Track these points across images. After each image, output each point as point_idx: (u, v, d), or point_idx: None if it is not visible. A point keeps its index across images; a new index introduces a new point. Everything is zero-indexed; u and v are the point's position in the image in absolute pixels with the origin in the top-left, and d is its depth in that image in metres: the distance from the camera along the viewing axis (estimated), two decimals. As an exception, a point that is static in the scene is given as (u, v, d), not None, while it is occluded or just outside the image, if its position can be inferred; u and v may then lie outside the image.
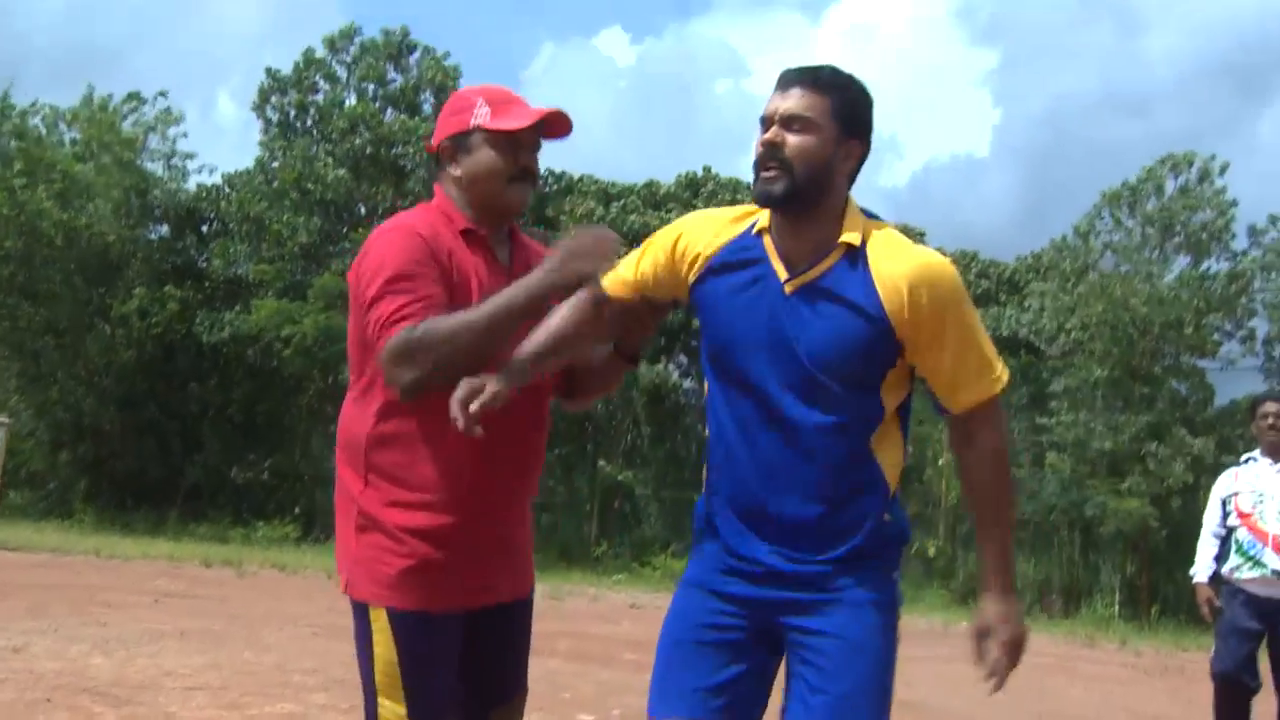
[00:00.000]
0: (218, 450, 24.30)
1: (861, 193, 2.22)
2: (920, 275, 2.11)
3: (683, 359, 28.08)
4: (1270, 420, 5.55)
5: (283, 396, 24.49)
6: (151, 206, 25.24)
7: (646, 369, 24.99)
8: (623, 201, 26.65)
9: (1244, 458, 5.76)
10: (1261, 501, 5.44)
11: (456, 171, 2.29)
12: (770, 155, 2.09)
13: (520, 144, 2.28)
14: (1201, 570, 5.67)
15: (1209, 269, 22.34)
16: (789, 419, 2.14)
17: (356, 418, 2.27)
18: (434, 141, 2.37)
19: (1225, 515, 5.60)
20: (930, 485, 23.44)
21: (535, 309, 2.18)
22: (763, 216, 2.17)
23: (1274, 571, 5.35)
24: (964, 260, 28.05)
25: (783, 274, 2.14)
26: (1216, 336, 22.58)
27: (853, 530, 2.18)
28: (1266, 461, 5.57)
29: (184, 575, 13.23)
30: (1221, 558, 5.60)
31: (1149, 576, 21.77)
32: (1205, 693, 5.63)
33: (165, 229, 26.12)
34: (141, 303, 23.63)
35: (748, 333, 2.14)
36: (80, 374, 23.75)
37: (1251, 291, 22.25)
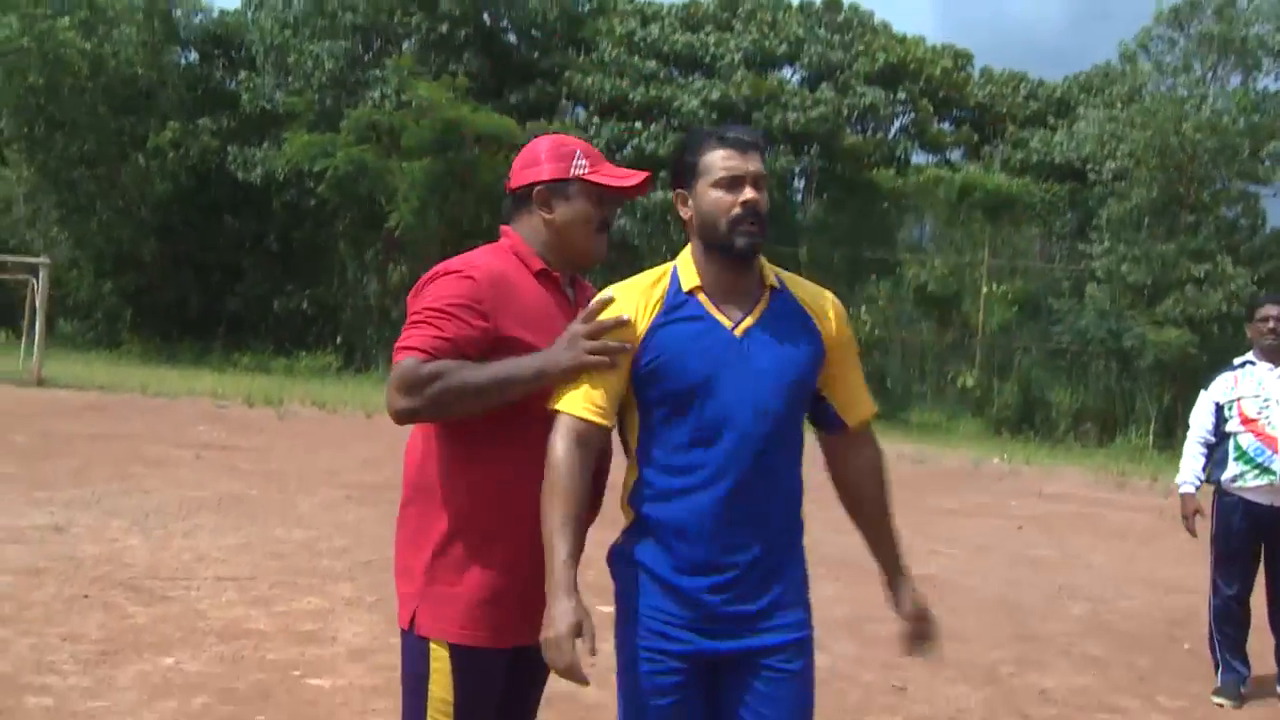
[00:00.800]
0: (258, 281, 24.50)
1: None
2: (833, 302, 2.42)
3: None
4: (1271, 324, 5.30)
5: (318, 227, 24.46)
6: (176, 31, 24.77)
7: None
8: (661, 22, 25.80)
9: (1239, 361, 5.49)
10: (1268, 406, 5.21)
11: (549, 215, 2.39)
12: (753, 213, 2.27)
13: (607, 199, 2.43)
14: (1189, 480, 5.47)
15: (1266, 88, 21.46)
16: (764, 450, 2.25)
17: (431, 454, 2.37)
18: (518, 183, 2.44)
19: (1222, 421, 5.36)
20: (969, 316, 23.31)
21: (536, 386, 2.26)
22: (685, 277, 2.32)
23: None
24: (1011, 82, 27.12)
25: (728, 323, 2.29)
26: (1269, 163, 21.84)
27: (798, 558, 2.36)
28: (1266, 366, 5.33)
29: (226, 420, 13.54)
30: (1214, 468, 5.39)
31: (1183, 405, 21.75)
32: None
33: (194, 55, 25.72)
34: (175, 134, 23.48)
35: (711, 372, 2.24)
36: (118, 205, 23.82)
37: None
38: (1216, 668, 5.30)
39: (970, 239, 24.05)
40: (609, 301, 2.28)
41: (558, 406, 2.23)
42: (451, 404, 2.23)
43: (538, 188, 2.39)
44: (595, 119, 25.01)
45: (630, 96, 24.26)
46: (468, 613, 2.27)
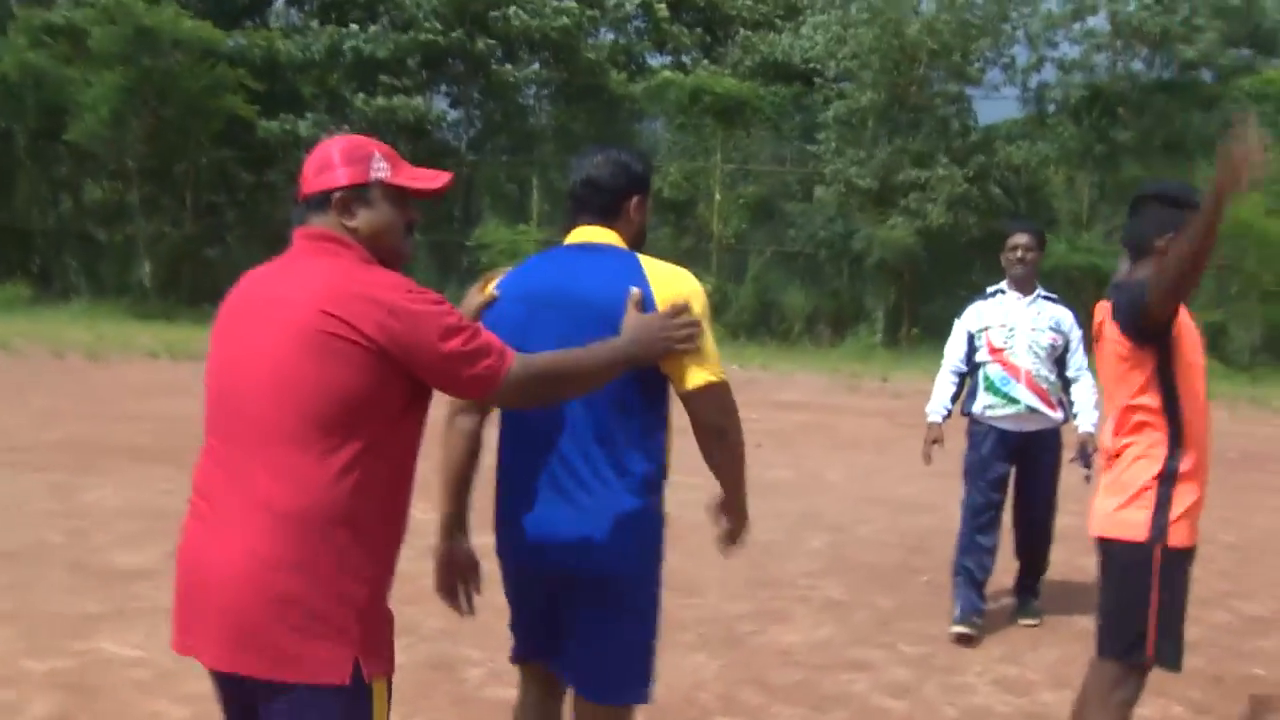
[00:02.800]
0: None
1: None
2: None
3: (447, 83, 26.41)
4: (1020, 253, 5.28)
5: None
6: None
7: (399, 100, 23.34)
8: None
9: (990, 290, 5.46)
10: (1013, 336, 5.21)
11: (351, 222, 2.25)
12: None
13: (408, 200, 2.33)
14: (937, 409, 5.42)
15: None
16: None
17: (357, 487, 2.09)
18: (314, 189, 2.27)
19: (973, 350, 5.34)
20: (703, 221, 23.31)
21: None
22: None
23: (1027, 407, 5.18)
24: (739, -18, 26.97)
25: None
26: (979, 64, 22.62)
27: None
28: (1015, 295, 5.33)
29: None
30: (966, 399, 5.37)
31: (910, 304, 22.56)
32: (953, 454, 5.47)
33: None
34: None
35: None
36: None
37: (1013, 19, 22.21)
38: (956, 598, 5.17)
39: (703, 144, 23.92)
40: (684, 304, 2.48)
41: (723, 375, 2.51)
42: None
43: (337, 194, 2.25)
44: (313, 22, 23.24)
45: (348, -6, 22.66)
46: (390, 641, 2.19)
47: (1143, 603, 3.01)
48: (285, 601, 2.01)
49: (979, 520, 5.24)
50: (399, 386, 2.11)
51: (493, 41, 24.09)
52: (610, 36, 26.88)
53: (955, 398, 5.42)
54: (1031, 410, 5.17)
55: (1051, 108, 22.94)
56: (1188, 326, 3.06)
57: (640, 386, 2.51)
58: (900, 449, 10.24)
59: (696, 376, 2.47)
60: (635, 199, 2.66)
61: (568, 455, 2.52)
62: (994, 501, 5.26)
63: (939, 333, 22.69)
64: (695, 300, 2.49)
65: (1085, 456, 5.16)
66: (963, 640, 4.95)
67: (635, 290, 2.46)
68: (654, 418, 2.57)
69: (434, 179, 2.34)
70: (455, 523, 2.69)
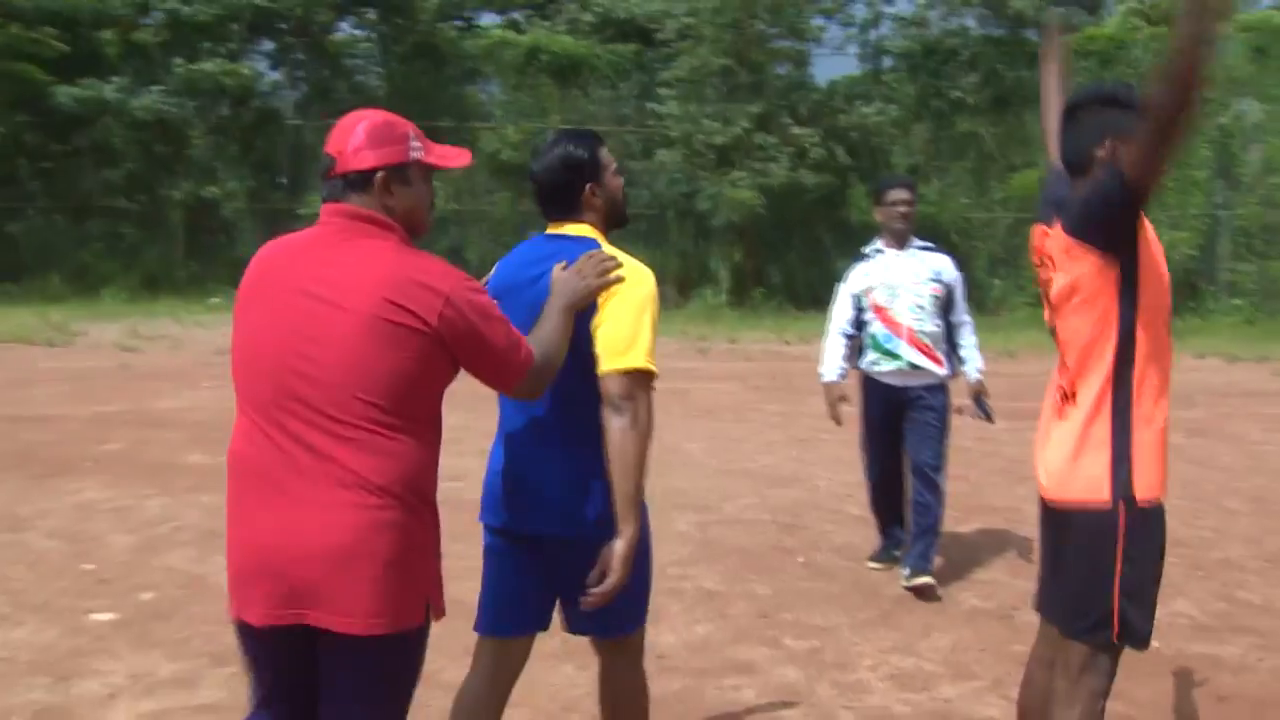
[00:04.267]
0: None
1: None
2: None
3: (270, 45, 24.99)
4: (901, 208, 5.32)
5: None
6: None
7: (218, 65, 21.94)
8: None
9: (869, 250, 5.46)
10: (895, 294, 5.25)
11: (390, 201, 2.33)
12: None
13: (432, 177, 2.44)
14: (831, 369, 5.41)
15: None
16: None
17: (420, 459, 2.29)
18: (352, 166, 2.32)
19: (859, 311, 5.36)
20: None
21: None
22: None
23: (909, 363, 5.22)
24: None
25: None
26: (819, 20, 22.54)
27: None
28: (893, 252, 5.36)
29: None
30: (858, 356, 5.39)
31: (755, 263, 22.43)
32: (805, 419, 5.25)
33: None
34: None
35: None
36: None
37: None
38: (880, 532, 5.55)
39: (540, 104, 23.24)
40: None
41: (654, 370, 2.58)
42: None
43: (380, 174, 2.31)
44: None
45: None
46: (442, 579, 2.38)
47: (1107, 571, 2.54)
48: (389, 564, 2.19)
49: (878, 467, 5.42)
50: (442, 368, 2.27)
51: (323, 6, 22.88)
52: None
53: (847, 357, 5.41)
54: (914, 366, 5.21)
55: (887, 63, 23.00)
56: (1153, 242, 2.59)
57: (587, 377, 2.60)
58: (757, 416, 9.93)
59: (617, 359, 2.56)
60: (589, 186, 2.74)
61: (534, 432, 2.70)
62: (891, 453, 5.36)
63: (784, 292, 22.88)
64: (634, 286, 2.57)
65: (982, 406, 5.33)
66: (924, 592, 5.02)
67: (560, 263, 2.60)
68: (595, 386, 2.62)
69: (459, 156, 2.48)
70: None
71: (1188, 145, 2.48)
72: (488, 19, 26.72)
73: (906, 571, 5.09)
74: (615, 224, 2.82)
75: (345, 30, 24.68)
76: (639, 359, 2.55)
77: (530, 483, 2.68)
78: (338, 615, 2.17)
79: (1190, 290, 19.90)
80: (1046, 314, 2.76)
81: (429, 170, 2.40)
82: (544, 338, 2.44)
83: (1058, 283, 2.64)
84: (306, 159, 24.23)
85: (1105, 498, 2.55)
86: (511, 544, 2.74)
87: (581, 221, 2.75)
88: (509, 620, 2.80)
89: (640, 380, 2.56)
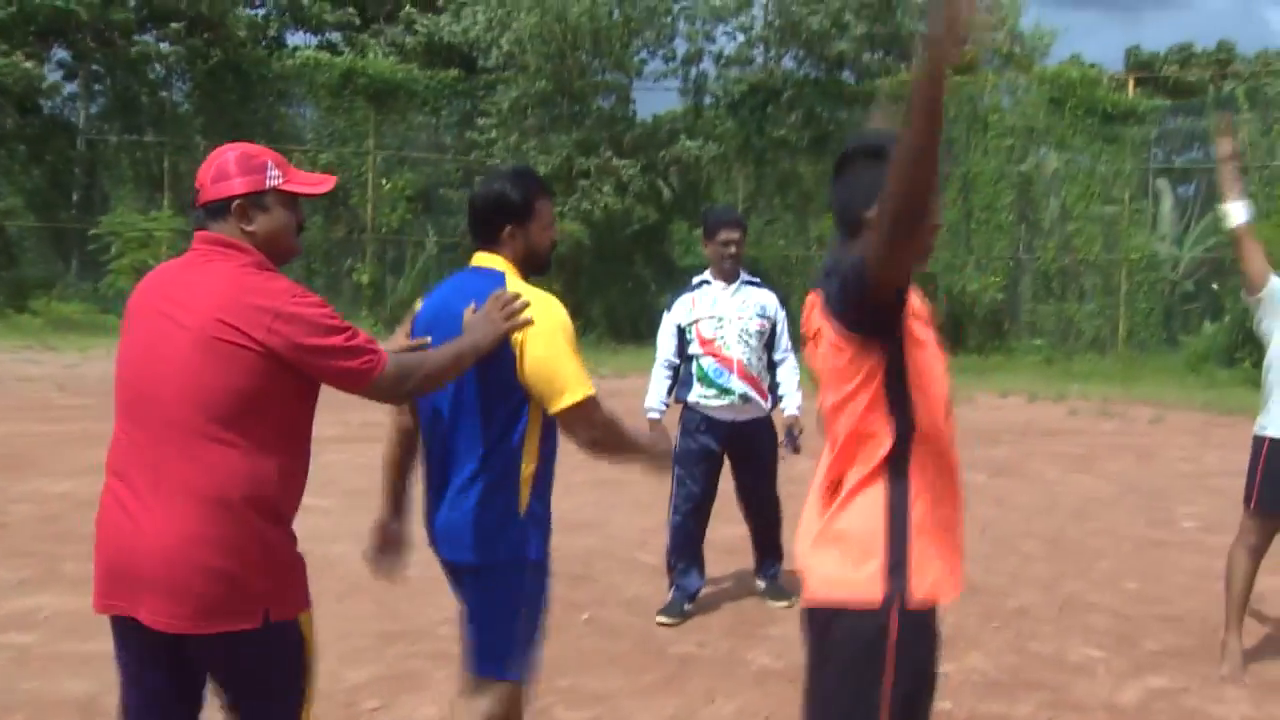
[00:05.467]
0: None
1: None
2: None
3: (64, 55, 23.47)
4: (731, 247, 5.31)
5: None
6: None
7: (7, 63, 20.44)
8: None
9: (696, 281, 5.44)
10: (721, 327, 5.25)
11: (249, 228, 2.46)
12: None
13: (298, 202, 2.57)
14: (655, 406, 5.34)
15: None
16: None
17: (258, 472, 2.39)
18: (211, 197, 2.48)
19: (684, 344, 5.34)
20: (358, 210, 21.92)
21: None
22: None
23: (741, 396, 5.23)
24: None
25: None
26: (642, 55, 22.52)
27: None
28: (720, 284, 5.35)
29: None
30: (679, 388, 5.38)
31: (575, 296, 22.12)
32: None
33: None
34: None
35: None
36: None
37: (674, 10, 22.20)
38: (670, 584, 5.34)
39: (355, 128, 22.49)
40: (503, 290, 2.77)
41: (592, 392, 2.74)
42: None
43: (236, 202, 2.46)
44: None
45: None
46: (300, 584, 2.49)
47: (873, 685, 2.18)
48: (209, 571, 2.32)
49: (687, 506, 5.32)
50: (289, 382, 2.37)
51: (126, 12, 21.63)
52: (249, 12, 24.82)
53: (670, 390, 5.39)
54: (745, 399, 5.23)
55: (709, 100, 23.15)
56: (922, 315, 2.29)
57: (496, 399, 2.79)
58: (563, 454, 9.53)
59: (558, 401, 2.73)
60: (508, 228, 2.87)
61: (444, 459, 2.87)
62: (706, 490, 5.34)
63: (603, 325, 22.52)
64: (544, 321, 2.72)
65: (792, 439, 5.31)
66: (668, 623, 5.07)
67: (470, 305, 2.76)
68: (513, 427, 2.79)
69: (322, 183, 2.61)
70: (390, 503, 3.09)
71: (927, 240, 2.18)
72: (303, 39, 25.86)
73: (766, 596, 5.52)
74: (532, 270, 2.91)
75: (150, 41, 23.37)
76: (577, 391, 2.72)
77: (445, 513, 2.86)
78: (156, 612, 2.33)
79: (996, 330, 20.53)
80: (819, 396, 2.38)
81: (291, 197, 2.53)
82: (427, 356, 2.59)
83: (822, 359, 2.31)
84: (103, 175, 22.82)
85: (876, 599, 2.20)
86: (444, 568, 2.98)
87: (497, 254, 2.88)
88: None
89: (585, 406, 2.72)
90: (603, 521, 7.02)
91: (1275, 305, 4.59)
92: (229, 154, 2.51)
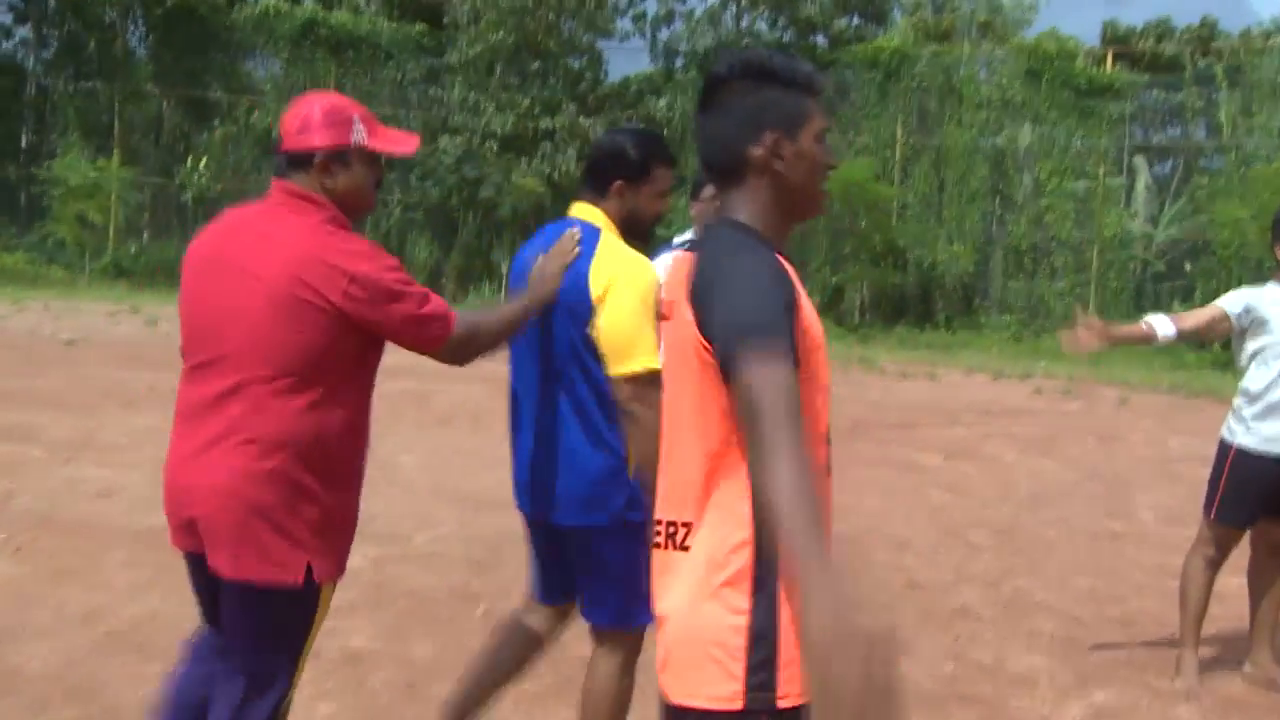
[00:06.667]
0: None
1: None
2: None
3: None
4: (717, 204, 4.67)
5: None
6: None
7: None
8: None
9: (677, 242, 4.94)
10: None
11: (330, 183, 2.46)
12: None
13: (379, 159, 2.56)
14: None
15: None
16: None
17: (318, 425, 2.41)
18: (294, 146, 2.47)
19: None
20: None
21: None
22: None
23: None
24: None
25: None
26: (611, 14, 21.92)
27: None
28: None
29: None
30: None
31: (538, 260, 21.61)
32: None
33: None
34: None
35: None
36: None
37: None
38: None
39: (316, 81, 21.79)
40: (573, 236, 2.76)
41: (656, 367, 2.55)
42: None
43: (318, 156, 2.45)
44: None
45: None
46: (343, 550, 2.52)
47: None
48: (256, 512, 2.36)
49: None
50: (355, 342, 2.42)
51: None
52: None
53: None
54: None
55: (679, 62, 22.58)
56: (811, 333, 1.70)
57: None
58: (498, 425, 9.02)
59: (622, 364, 2.69)
60: (619, 183, 2.82)
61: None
62: None
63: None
64: (630, 281, 2.69)
65: None
66: None
67: (541, 257, 2.78)
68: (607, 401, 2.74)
69: (407, 142, 2.64)
70: None
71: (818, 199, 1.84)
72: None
73: None
74: (632, 235, 2.85)
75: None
76: (641, 361, 2.66)
77: (543, 474, 2.86)
78: (216, 555, 2.39)
79: (966, 304, 20.13)
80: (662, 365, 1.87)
81: (373, 154, 2.53)
82: (490, 314, 2.67)
83: (674, 350, 1.78)
84: (51, 122, 22.06)
85: (736, 705, 1.65)
86: (533, 528, 3.03)
87: (599, 206, 2.84)
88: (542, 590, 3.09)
89: (645, 382, 2.62)
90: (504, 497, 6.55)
91: (1256, 315, 4.19)
92: (316, 105, 2.50)
